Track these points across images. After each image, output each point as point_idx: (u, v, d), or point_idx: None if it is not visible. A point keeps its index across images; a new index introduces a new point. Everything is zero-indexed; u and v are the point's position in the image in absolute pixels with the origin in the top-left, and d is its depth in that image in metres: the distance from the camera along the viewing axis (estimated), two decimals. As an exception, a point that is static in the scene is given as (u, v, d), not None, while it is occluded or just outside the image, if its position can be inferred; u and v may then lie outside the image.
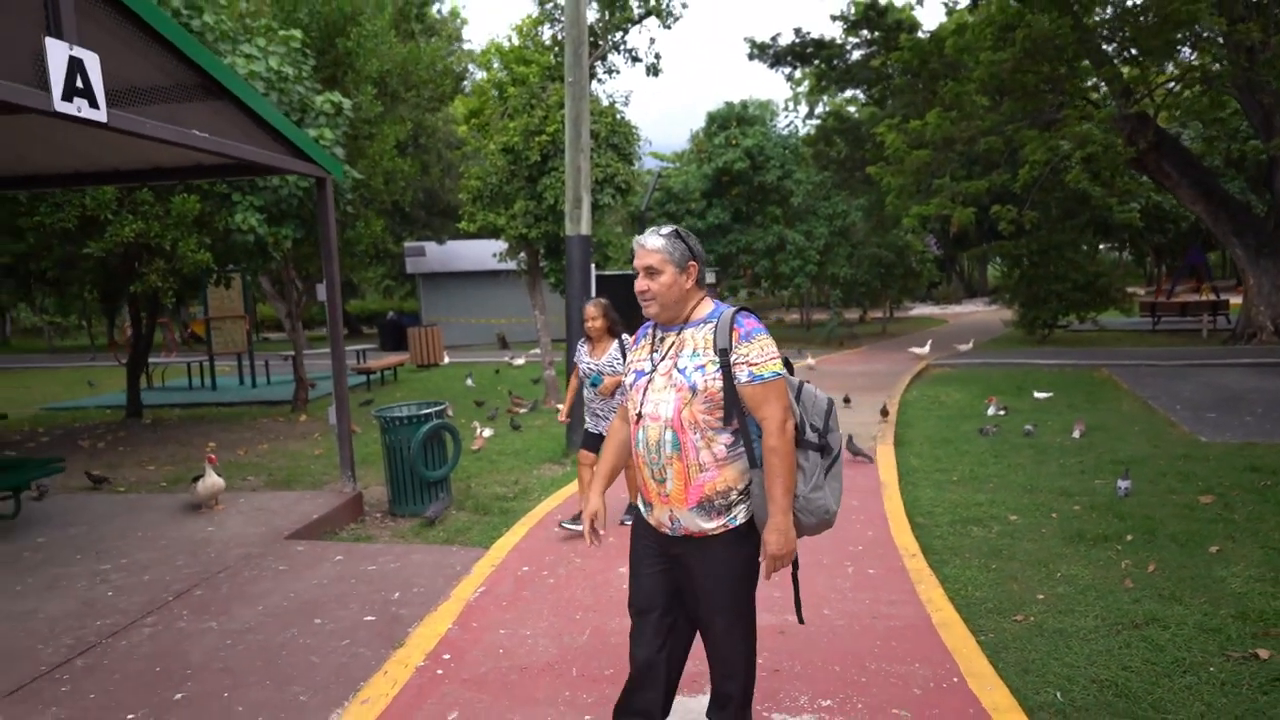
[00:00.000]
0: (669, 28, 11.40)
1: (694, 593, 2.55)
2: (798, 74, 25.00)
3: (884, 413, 8.91)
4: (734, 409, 2.41)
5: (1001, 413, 9.74)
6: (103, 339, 31.11)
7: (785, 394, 2.43)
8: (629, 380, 2.62)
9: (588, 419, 5.52)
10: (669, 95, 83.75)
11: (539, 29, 11.84)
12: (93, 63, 3.87)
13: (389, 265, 28.33)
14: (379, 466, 7.25)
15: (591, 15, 11.72)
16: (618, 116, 11.54)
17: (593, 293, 8.43)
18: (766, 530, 2.41)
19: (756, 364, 2.39)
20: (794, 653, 3.64)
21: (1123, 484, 6.29)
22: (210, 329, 15.36)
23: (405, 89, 12.33)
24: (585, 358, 5.43)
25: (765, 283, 24.30)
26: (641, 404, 2.51)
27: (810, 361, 15.64)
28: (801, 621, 2.74)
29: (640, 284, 2.49)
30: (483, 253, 25.94)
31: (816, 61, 22.92)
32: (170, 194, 8.52)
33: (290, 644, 3.82)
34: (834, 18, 21.96)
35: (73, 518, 6.01)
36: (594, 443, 5.34)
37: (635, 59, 12.01)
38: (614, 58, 11.97)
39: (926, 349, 16.21)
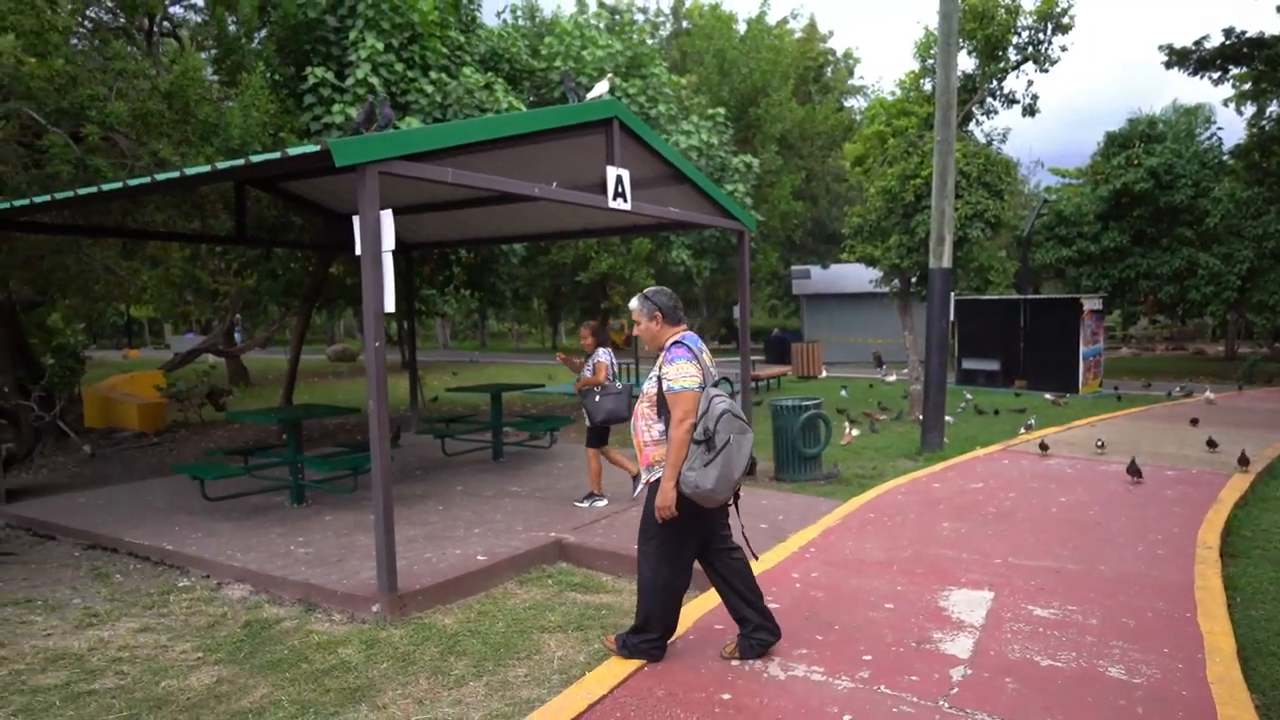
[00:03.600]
0: (1046, 71, 12.11)
1: None
2: (1232, 74, 22.45)
3: (1243, 461, 8.62)
4: (663, 407, 3.73)
5: None
6: (549, 342, 38.43)
7: (689, 401, 3.61)
8: None
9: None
10: (1078, 100, 76.28)
11: (920, 82, 13.34)
12: (625, 175, 6.61)
13: (776, 285, 31.26)
14: (764, 446, 9.53)
15: (970, 63, 12.90)
16: (992, 155, 12.55)
17: (950, 317, 9.81)
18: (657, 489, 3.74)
19: (672, 379, 3.66)
20: (1061, 583, 4.98)
21: None
22: (638, 337, 19.35)
23: (801, 142, 14.68)
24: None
25: (1179, 309, 22.28)
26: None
27: (1210, 396, 14.71)
28: (755, 558, 4.24)
29: (635, 330, 4.00)
30: (864, 276, 27.58)
31: (1256, 63, 20.60)
32: (631, 238, 11.82)
33: (715, 531, 6.14)
34: (1281, 9, 19.58)
35: (570, 454, 9.22)
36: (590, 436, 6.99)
37: (1012, 101, 12.87)
38: (990, 100, 12.97)
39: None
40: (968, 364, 18.30)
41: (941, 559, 5.49)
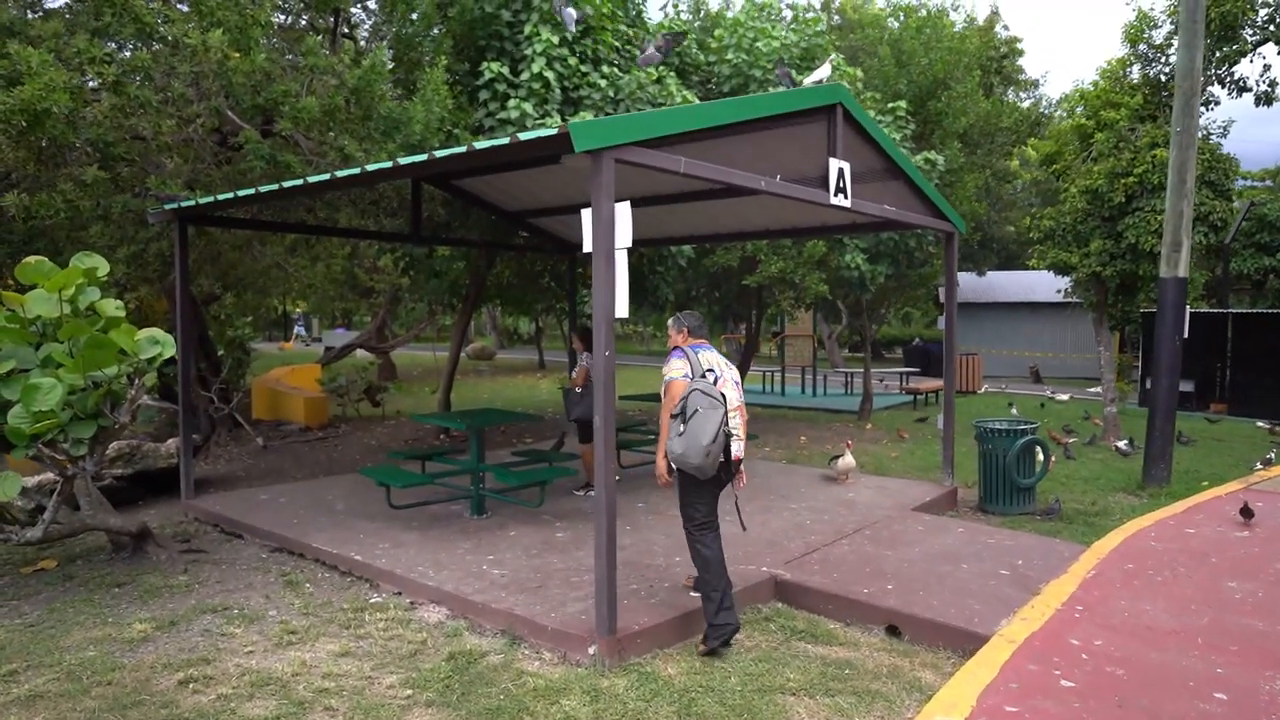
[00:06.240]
0: (1292, 53, 10.51)
1: None
2: None
3: None
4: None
5: None
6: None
7: (674, 389, 4.35)
8: None
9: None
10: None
11: (1127, 70, 11.95)
12: (846, 169, 5.91)
13: (924, 292, 29.63)
14: (968, 472, 8.59)
15: (1191, 48, 11.40)
16: (1216, 151, 11.07)
17: (1185, 333, 8.57)
18: None
19: (665, 373, 4.47)
20: None
21: None
22: (784, 344, 18.50)
23: (983, 138, 13.50)
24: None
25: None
26: None
27: None
28: (744, 529, 5.38)
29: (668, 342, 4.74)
30: (1022, 285, 25.60)
31: None
32: (804, 240, 11.05)
33: (949, 575, 5.34)
34: None
35: (753, 470, 8.54)
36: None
37: (1243, 89, 11.31)
38: (1214, 89, 11.46)
39: None
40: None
41: (1254, 633, 4.51)
